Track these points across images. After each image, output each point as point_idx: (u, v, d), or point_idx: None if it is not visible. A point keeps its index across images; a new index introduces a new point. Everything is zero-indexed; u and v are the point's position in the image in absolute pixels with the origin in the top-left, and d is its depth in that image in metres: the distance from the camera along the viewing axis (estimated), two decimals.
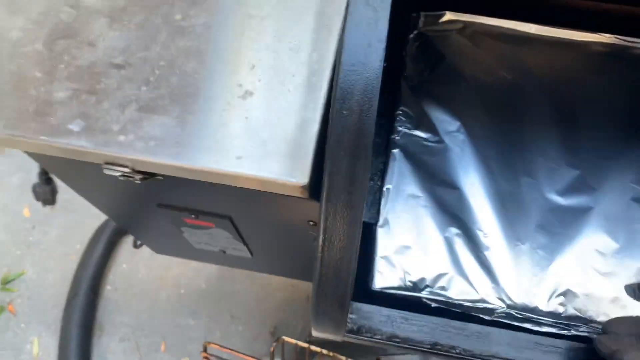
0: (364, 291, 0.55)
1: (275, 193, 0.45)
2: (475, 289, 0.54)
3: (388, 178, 0.59)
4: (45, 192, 0.74)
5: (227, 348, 0.85)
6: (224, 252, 0.73)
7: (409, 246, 0.55)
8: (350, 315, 0.50)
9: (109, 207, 0.62)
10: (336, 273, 0.39)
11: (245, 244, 0.67)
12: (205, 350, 0.87)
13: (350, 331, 0.49)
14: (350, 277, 0.39)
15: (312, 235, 0.47)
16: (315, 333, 0.51)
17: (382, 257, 0.55)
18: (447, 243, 0.56)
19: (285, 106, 0.41)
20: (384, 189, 0.58)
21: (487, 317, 0.54)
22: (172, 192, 0.53)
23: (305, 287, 1.50)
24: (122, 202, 0.59)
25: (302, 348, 0.84)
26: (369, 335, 0.49)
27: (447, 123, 0.63)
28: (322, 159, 0.38)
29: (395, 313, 0.50)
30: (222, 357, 0.87)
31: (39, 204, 1.66)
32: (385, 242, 0.55)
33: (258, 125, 0.40)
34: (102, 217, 1.55)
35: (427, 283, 0.54)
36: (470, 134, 0.63)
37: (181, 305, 1.48)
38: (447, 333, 0.49)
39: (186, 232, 0.67)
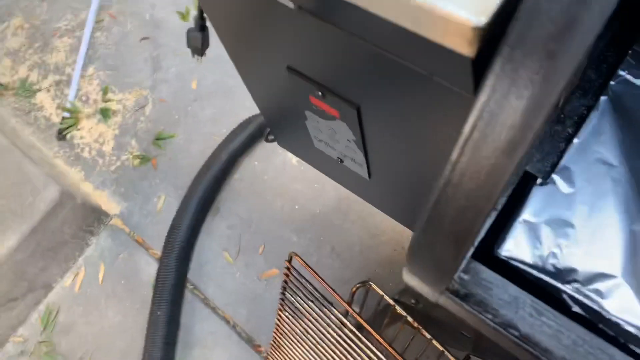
0: (483, 254, 0.40)
1: (427, 73, 0.32)
2: None
3: (582, 129, 0.41)
4: (197, 40, 0.71)
5: (310, 268, 0.77)
6: (341, 160, 0.63)
7: (572, 223, 0.38)
8: (462, 274, 0.36)
9: (241, 55, 0.56)
10: (472, 190, 0.25)
11: (366, 155, 0.55)
12: (290, 260, 0.81)
13: (456, 293, 0.35)
14: (491, 203, 0.25)
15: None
16: (406, 276, 0.38)
17: (524, 222, 0.39)
18: (631, 239, 0.38)
19: None
20: (574, 141, 0.41)
21: None
22: (302, 51, 0.43)
23: None
24: (254, 55, 0.52)
25: (387, 305, 0.73)
26: (478, 308, 0.34)
27: None
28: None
29: (527, 299, 0.35)
30: (303, 275, 0.80)
31: (207, 80, 1.76)
32: (538, 205, 0.39)
33: None
34: (253, 112, 1.57)
35: (578, 277, 0.37)
36: None
37: (291, 219, 1.46)
38: (595, 357, 0.32)
39: (309, 120, 0.58)
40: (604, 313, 0.35)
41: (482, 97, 0.23)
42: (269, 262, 1.43)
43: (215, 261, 1.46)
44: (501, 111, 0.23)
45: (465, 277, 0.35)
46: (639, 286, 0.36)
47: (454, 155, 0.25)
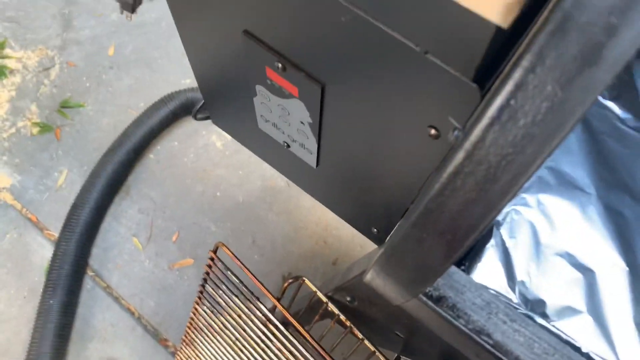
0: None
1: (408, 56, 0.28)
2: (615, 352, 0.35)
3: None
4: None
5: (239, 260, 0.72)
6: (288, 145, 0.58)
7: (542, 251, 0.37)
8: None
9: (188, 13, 0.49)
10: (487, 182, 0.22)
11: (319, 140, 0.51)
12: (215, 250, 0.74)
13: (429, 296, 0.32)
14: (505, 200, 0.22)
15: (453, 126, 0.30)
16: (372, 275, 0.34)
17: (494, 247, 0.38)
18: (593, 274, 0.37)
19: None
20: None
21: None
22: (266, 12, 0.38)
23: (338, 249, 1.35)
24: (204, 14, 0.45)
25: (318, 302, 0.70)
26: (451, 313, 0.32)
27: None
28: None
29: (500, 304, 0.33)
30: (228, 266, 0.74)
31: (127, 47, 1.60)
32: (511, 231, 0.38)
33: None
34: (177, 87, 1.46)
35: (547, 311, 0.36)
36: None
37: (210, 207, 1.38)
38: None
39: (259, 96, 0.52)
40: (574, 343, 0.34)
41: (509, 74, 0.20)
42: (182, 251, 1.33)
43: (122, 247, 1.33)
44: (527, 101, 0.20)
45: (438, 279, 0.32)
46: (599, 321, 0.36)
47: (471, 141, 0.22)
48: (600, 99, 0.43)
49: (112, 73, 1.54)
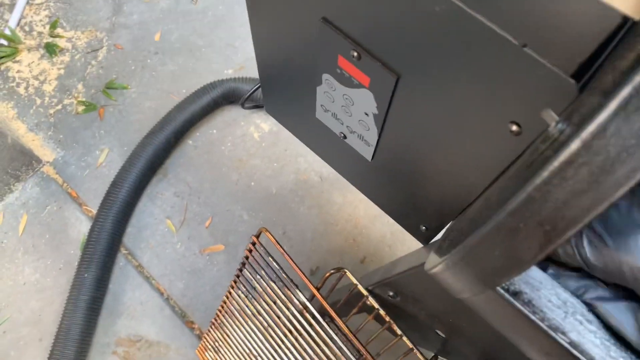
0: None
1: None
2: None
3: None
4: None
5: (282, 247, 0.72)
6: (345, 136, 0.59)
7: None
8: None
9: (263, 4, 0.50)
10: (600, 173, 0.22)
11: (381, 132, 0.51)
12: (258, 235, 0.75)
13: (507, 289, 0.32)
14: (617, 195, 0.22)
15: (551, 117, 0.30)
16: (441, 269, 0.34)
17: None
18: None
19: None
20: None
21: None
22: (348, 3, 0.38)
23: (367, 248, 1.35)
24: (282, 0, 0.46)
25: (358, 295, 0.70)
26: (528, 308, 0.31)
27: None
28: None
29: (577, 306, 0.33)
30: (268, 251, 0.75)
31: (173, 34, 1.63)
32: None
33: None
34: (219, 77, 1.48)
35: None
36: None
37: (245, 196, 1.39)
38: None
39: (324, 85, 0.52)
40: None
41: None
42: (214, 236, 1.35)
43: (156, 228, 1.36)
44: None
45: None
46: None
47: (591, 130, 0.22)
48: None
49: (157, 58, 1.58)
